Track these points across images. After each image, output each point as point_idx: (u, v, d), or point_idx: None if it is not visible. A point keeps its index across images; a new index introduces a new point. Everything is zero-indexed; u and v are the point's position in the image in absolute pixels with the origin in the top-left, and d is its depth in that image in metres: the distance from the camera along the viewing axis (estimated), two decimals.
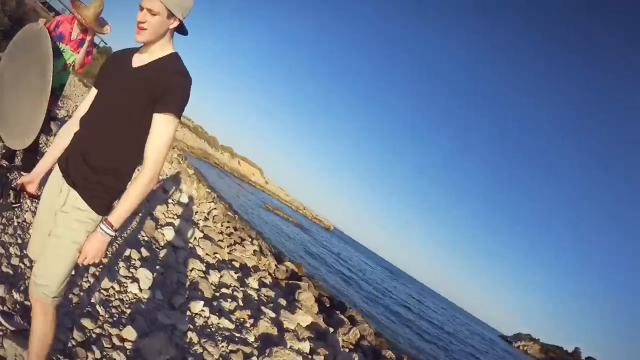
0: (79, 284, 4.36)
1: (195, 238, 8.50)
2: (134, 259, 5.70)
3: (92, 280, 4.58)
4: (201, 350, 4.70)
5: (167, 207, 9.24)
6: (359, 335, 9.69)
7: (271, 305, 7.20)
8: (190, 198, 11.70)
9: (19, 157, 5.84)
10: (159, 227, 7.63)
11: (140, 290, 5.03)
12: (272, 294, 8.00)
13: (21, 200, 2.51)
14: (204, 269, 7.01)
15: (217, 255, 8.51)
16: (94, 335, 3.78)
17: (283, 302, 7.82)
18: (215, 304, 5.93)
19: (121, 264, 5.33)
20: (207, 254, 8.14)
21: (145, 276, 5.23)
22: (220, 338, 5.16)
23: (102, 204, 2.31)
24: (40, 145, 5.66)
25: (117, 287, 4.79)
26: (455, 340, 31.34)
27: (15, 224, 4.57)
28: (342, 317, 10.88)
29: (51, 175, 2.47)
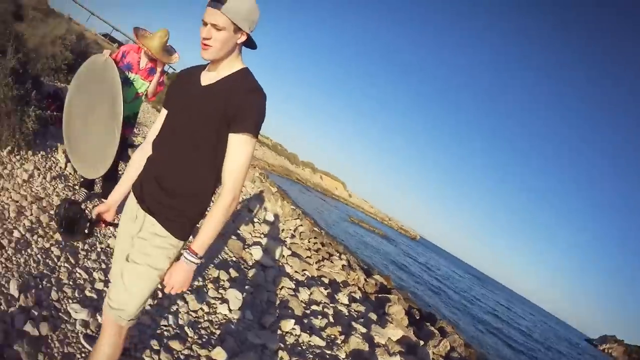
0: (166, 306, 4.54)
1: (283, 256, 8.61)
2: (223, 280, 5.86)
3: (180, 302, 4.75)
4: None
5: (254, 227, 9.42)
6: (449, 347, 9.49)
7: (362, 320, 7.16)
8: (276, 216, 11.87)
9: (98, 185, 6.11)
10: (246, 247, 7.79)
11: (230, 310, 5.14)
12: (362, 308, 7.94)
13: (94, 231, 2.50)
14: (293, 286, 7.06)
15: (306, 272, 8.56)
16: (182, 357, 3.90)
17: (373, 316, 7.75)
18: (305, 321, 5.95)
19: (210, 285, 5.50)
20: (296, 272, 8.21)
21: (235, 296, 5.35)
22: (311, 356, 5.17)
23: (180, 228, 2.26)
24: (120, 173, 5.88)
25: (206, 309, 4.94)
26: (543, 347, 30.19)
27: (99, 249, 4.82)
28: (432, 328, 10.68)
29: (127, 201, 2.45)
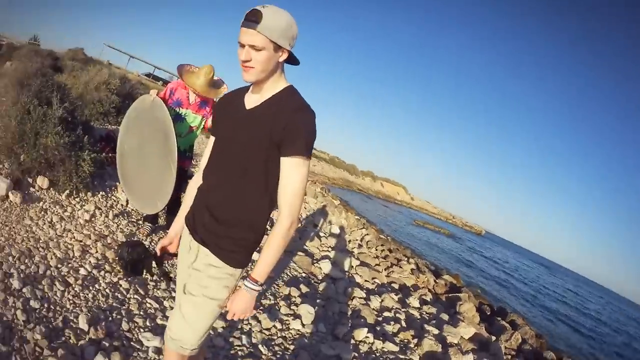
0: (239, 327, 4.54)
1: (352, 267, 8.54)
2: (294, 296, 5.84)
3: (253, 322, 4.76)
4: None
5: (320, 241, 9.42)
6: (520, 340, 9.24)
7: (434, 321, 7.03)
8: (341, 228, 11.83)
9: (162, 217, 6.21)
10: (315, 261, 7.78)
11: (303, 325, 5.10)
12: (433, 310, 7.82)
13: (163, 265, 2.49)
14: (364, 295, 6.99)
15: (376, 280, 8.48)
16: None
17: (445, 316, 7.62)
18: (378, 328, 5.87)
19: (282, 303, 5.48)
20: (366, 280, 8.15)
21: (307, 311, 5.31)
22: None
23: (236, 257, 2.17)
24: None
25: (279, 326, 4.91)
26: (612, 330, 29.07)
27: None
28: (504, 323, 10.43)
29: (182, 232, 2.41)
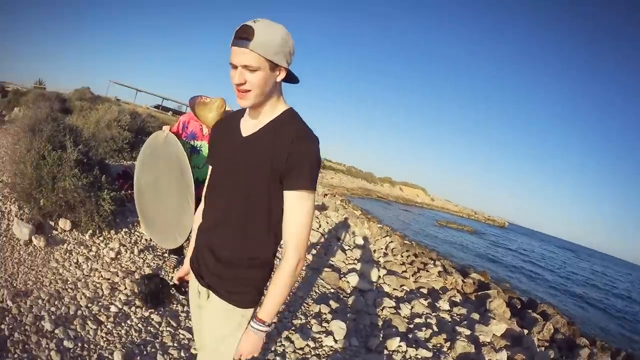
0: (272, 349, 4.55)
1: (379, 277, 8.51)
2: (325, 313, 5.83)
3: (286, 343, 4.75)
4: None
5: (345, 255, 9.40)
6: (552, 330, 9.15)
7: (465, 322, 7.00)
8: (365, 238, 11.82)
9: (187, 248, 6.22)
10: (342, 276, 7.76)
11: (336, 341, 5.10)
12: (463, 311, 7.78)
13: (185, 290, 2.47)
14: (394, 304, 6.97)
15: (405, 287, 8.44)
16: None
17: (476, 316, 7.57)
18: (410, 336, 5.86)
19: (313, 321, 5.47)
20: (394, 289, 8.11)
21: (339, 327, 5.30)
22: None
23: (245, 298, 2.03)
24: None
25: (312, 344, 4.91)
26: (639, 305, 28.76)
27: None
28: (535, 314, 10.34)
29: (190, 274, 2.29)
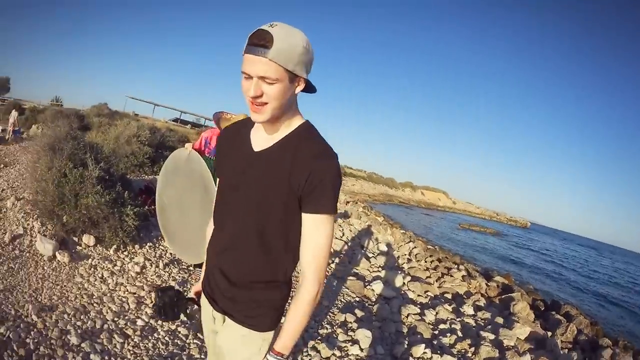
0: (299, 359, 4.53)
1: (404, 283, 8.47)
2: (350, 322, 5.79)
3: (312, 352, 4.73)
4: None
5: (369, 262, 9.37)
6: (575, 331, 9.09)
7: (489, 327, 6.95)
8: (388, 245, 11.81)
9: None
10: (367, 284, 7.72)
11: (362, 350, 5.06)
12: (488, 315, 7.72)
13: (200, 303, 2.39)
14: (418, 310, 6.94)
15: (429, 293, 8.39)
16: None
17: (500, 320, 7.52)
18: (435, 342, 5.84)
19: (339, 330, 5.44)
20: (418, 295, 8.07)
21: (365, 335, 5.27)
22: None
23: (263, 322, 1.84)
24: None
25: (338, 353, 4.87)
26: None
27: None
28: (558, 316, 10.30)
29: (202, 297, 2.06)
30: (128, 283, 5.11)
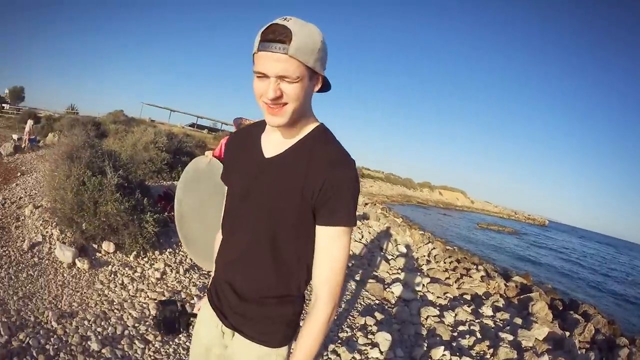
0: None
1: (423, 285, 8.44)
2: (370, 325, 5.78)
3: (332, 356, 4.72)
4: None
5: (389, 264, 9.36)
6: (593, 331, 9.00)
7: (508, 327, 6.93)
8: (407, 246, 11.78)
9: None
10: (386, 286, 7.72)
11: (381, 352, 5.05)
12: (506, 316, 7.68)
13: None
14: (437, 312, 6.93)
15: (448, 295, 8.36)
16: None
17: (518, 320, 7.48)
18: (454, 344, 5.82)
19: (359, 333, 5.43)
20: (438, 297, 8.04)
21: (384, 338, 5.26)
22: None
23: (275, 338, 1.69)
24: None
25: (358, 357, 4.86)
26: None
27: None
28: (576, 316, 10.21)
29: (204, 305, 1.88)
30: (148, 289, 5.14)
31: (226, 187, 1.89)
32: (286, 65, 1.35)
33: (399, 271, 9.03)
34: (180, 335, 4.26)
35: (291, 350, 1.68)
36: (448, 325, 6.56)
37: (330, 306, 1.53)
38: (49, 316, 4.02)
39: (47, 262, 5.23)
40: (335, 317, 5.12)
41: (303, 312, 1.73)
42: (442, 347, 5.38)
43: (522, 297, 10.57)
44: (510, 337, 6.29)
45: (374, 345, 5.18)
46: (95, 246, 5.76)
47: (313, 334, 1.52)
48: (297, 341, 1.56)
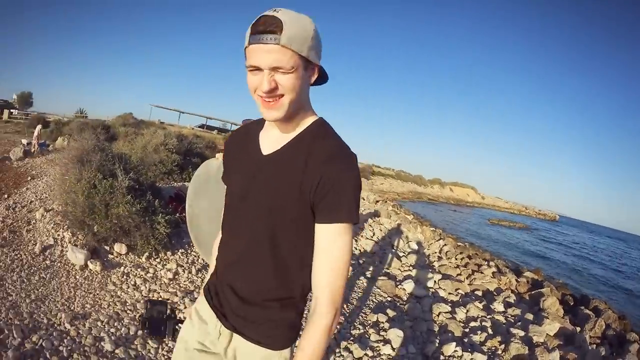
0: (331, 359, 4.53)
1: (434, 281, 8.43)
2: (382, 322, 5.79)
3: (345, 353, 4.73)
4: None
5: (400, 261, 9.33)
6: (604, 326, 8.95)
7: (519, 323, 6.92)
8: (419, 243, 11.77)
9: None
10: (398, 283, 7.71)
11: (393, 349, 5.05)
12: (518, 312, 7.67)
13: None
14: (449, 309, 6.92)
15: (460, 291, 8.34)
16: None
17: (530, 316, 7.47)
18: (466, 340, 5.81)
19: (371, 330, 5.44)
20: (449, 293, 8.03)
21: (396, 335, 5.27)
22: None
23: (278, 340, 1.62)
24: None
25: (370, 354, 4.86)
26: None
27: None
28: (587, 311, 10.19)
29: (201, 305, 1.81)
30: (161, 289, 5.17)
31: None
32: (279, 56, 1.32)
33: (411, 268, 9.02)
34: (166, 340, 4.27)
35: (293, 353, 1.59)
36: (460, 321, 6.54)
37: (332, 312, 1.44)
38: (61, 318, 4.05)
39: (59, 264, 5.27)
40: (337, 329, 5.10)
41: (305, 313, 1.65)
42: (454, 343, 5.39)
43: (533, 292, 10.54)
44: (522, 333, 6.28)
45: (386, 342, 5.18)
46: (107, 248, 5.79)
47: (313, 343, 1.43)
48: (297, 352, 1.47)
